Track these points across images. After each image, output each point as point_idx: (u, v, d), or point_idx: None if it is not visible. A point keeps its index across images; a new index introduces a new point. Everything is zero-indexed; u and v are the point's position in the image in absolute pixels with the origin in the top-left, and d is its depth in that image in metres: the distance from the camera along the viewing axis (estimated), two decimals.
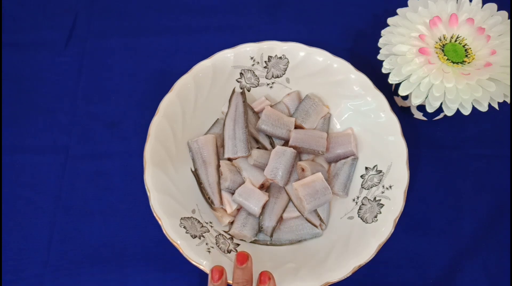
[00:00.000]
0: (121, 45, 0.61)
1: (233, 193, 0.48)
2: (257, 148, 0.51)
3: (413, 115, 0.55)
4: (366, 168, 0.49)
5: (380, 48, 0.48)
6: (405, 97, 0.54)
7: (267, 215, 0.47)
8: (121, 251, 0.49)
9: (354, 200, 0.48)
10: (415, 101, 0.44)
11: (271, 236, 0.47)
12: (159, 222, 0.43)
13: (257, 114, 0.53)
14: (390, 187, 0.46)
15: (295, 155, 0.48)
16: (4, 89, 0.58)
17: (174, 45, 0.61)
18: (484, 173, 0.53)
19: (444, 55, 0.45)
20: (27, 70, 0.59)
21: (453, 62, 0.45)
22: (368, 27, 0.61)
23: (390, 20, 0.48)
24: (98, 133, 0.55)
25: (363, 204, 0.47)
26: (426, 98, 0.44)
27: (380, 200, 0.46)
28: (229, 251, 0.44)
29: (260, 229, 0.48)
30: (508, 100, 0.44)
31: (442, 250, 0.49)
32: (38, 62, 0.60)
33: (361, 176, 0.49)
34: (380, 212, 0.45)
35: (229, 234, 0.47)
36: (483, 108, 0.44)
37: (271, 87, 0.54)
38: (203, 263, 0.41)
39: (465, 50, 0.46)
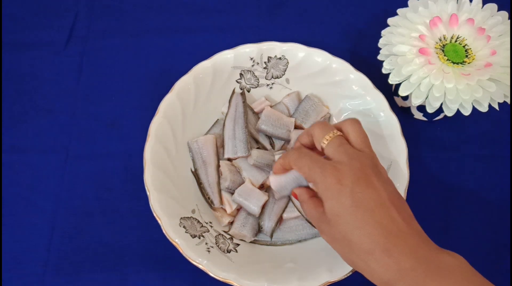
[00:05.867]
0: (121, 45, 0.61)
1: (233, 193, 0.48)
2: (257, 148, 0.51)
3: (413, 115, 0.55)
4: None
5: (380, 49, 0.48)
6: (405, 98, 0.54)
7: (266, 215, 0.47)
8: (121, 251, 0.49)
9: None
10: (415, 102, 0.44)
11: (271, 236, 0.47)
12: (159, 222, 0.43)
13: (257, 115, 0.53)
14: None
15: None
16: (4, 89, 0.58)
17: (174, 45, 0.61)
18: (484, 173, 0.53)
19: (444, 55, 0.45)
20: (27, 70, 0.59)
21: (453, 63, 0.45)
22: (368, 27, 0.61)
23: (390, 20, 0.48)
24: (98, 133, 0.55)
25: None
26: (426, 98, 0.44)
27: None
28: (228, 251, 0.44)
29: (260, 229, 0.48)
30: (508, 101, 0.44)
31: None
32: (38, 62, 0.60)
33: None
34: None
35: (229, 234, 0.47)
36: (483, 108, 0.44)
37: (270, 87, 0.54)
38: (203, 263, 0.41)
39: (465, 51, 0.46)
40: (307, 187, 0.41)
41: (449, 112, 0.44)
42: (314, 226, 0.47)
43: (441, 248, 0.35)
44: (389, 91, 0.57)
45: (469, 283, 0.32)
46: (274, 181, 0.43)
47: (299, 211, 0.48)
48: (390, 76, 0.46)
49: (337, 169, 0.36)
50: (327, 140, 0.38)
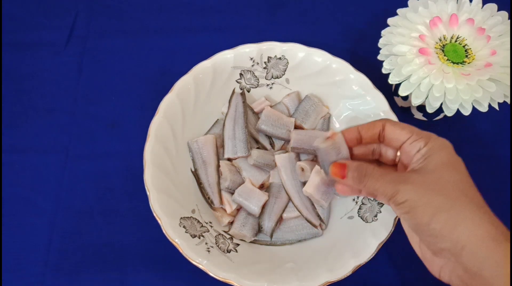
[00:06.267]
0: (121, 45, 0.61)
1: (232, 193, 0.48)
2: (257, 148, 0.51)
3: (413, 115, 0.55)
4: None
5: (380, 49, 0.48)
6: (405, 98, 0.54)
7: (266, 215, 0.47)
8: (121, 251, 0.49)
9: (354, 199, 0.48)
10: (415, 102, 0.44)
11: (271, 236, 0.47)
12: (159, 222, 0.43)
13: (257, 115, 0.53)
14: None
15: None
16: (4, 89, 0.58)
17: (174, 45, 0.61)
18: (484, 173, 0.53)
19: (444, 55, 0.45)
20: (27, 70, 0.59)
21: (453, 63, 0.45)
22: (368, 27, 0.61)
23: (390, 20, 0.48)
24: (98, 133, 0.55)
25: (363, 204, 0.47)
26: (426, 98, 0.44)
27: None
28: (228, 251, 0.44)
29: (260, 229, 0.48)
30: (508, 101, 0.44)
31: None
32: (38, 62, 0.60)
33: None
34: (380, 212, 0.45)
35: (228, 234, 0.47)
36: (483, 108, 0.44)
37: (270, 87, 0.54)
38: (203, 263, 0.41)
39: (465, 51, 0.46)
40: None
41: (449, 112, 0.44)
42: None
43: None
44: (389, 91, 0.57)
45: None
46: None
47: (299, 211, 0.48)
48: (390, 76, 0.46)
49: None
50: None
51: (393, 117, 0.48)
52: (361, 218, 0.46)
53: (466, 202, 0.33)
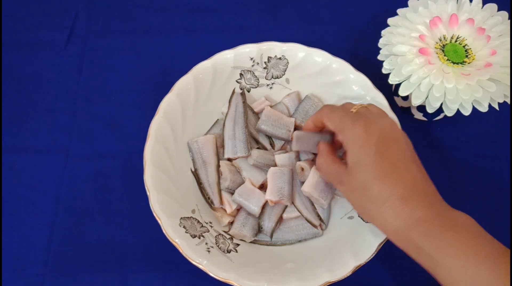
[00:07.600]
0: (121, 45, 0.61)
1: (233, 193, 0.48)
2: (257, 148, 0.51)
3: (413, 115, 0.55)
4: None
5: (380, 49, 0.48)
6: (405, 98, 0.54)
7: (266, 215, 0.47)
8: (121, 251, 0.49)
9: None
10: (415, 102, 0.44)
11: (271, 236, 0.47)
12: (159, 222, 0.43)
13: (257, 115, 0.53)
14: None
15: (292, 173, 0.49)
16: (4, 89, 0.58)
17: (174, 45, 0.61)
18: (484, 173, 0.53)
19: (444, 55, 0.45)
20: (27, 70, 0.59)
21: (453, 63, 0.45)
22: (368, 27, 0.61)
23: (390, 21, 0.48)
24: (98, 133, 0.55)
25: None
26: (426, 98, 0.44)
27: None
28: (228, 251, 0.44)
29: (260, 229, 0.48)
30: (508, 101, 0.44)
31: None
32: (38, 62, 0.60)
33: None
34: None
35: (229, 234, 0.47)
36: (483, 108, 0.44)
37: (271, 87, 0.54)
38: (203, 263, 0.41)
39: (465, 51, 0.46)
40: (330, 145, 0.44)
41: (449, 112, 0.44)
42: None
43: (453, 208, 0.37)
44: (389, 91, 0.57)
45: (479, 239, 0.33)
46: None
47: (299, 211, 0.48)
48: (390, 76, 0.46)
49: (368, 122, 0.38)
50: (355, 108, 0.41)
51: (392, 117, 0.48)
52: (361, 218, 0.46)
53: (368, 204, 0.36)
